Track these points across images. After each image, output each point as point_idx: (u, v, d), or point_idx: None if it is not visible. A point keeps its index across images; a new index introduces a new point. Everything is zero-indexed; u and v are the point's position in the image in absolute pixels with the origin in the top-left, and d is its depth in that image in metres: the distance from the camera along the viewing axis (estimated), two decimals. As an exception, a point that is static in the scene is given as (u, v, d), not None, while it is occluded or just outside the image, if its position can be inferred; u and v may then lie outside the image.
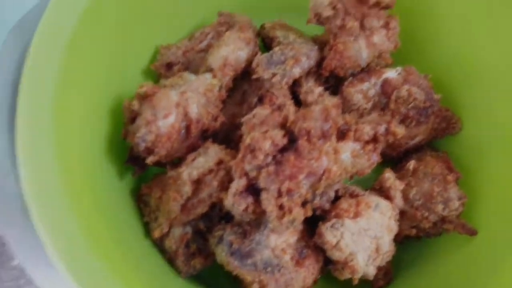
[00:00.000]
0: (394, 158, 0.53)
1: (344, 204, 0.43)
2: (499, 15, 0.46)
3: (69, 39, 0.42)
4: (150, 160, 0.44)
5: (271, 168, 0.38)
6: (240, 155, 0.38)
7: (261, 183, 0.38)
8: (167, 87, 0.45)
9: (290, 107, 0.47)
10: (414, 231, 0.47)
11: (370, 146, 0.40)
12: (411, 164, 0.47)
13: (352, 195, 0.45)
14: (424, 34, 0.55)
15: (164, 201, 0.45)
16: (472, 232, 0.45)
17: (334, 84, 0.50)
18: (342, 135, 0.40)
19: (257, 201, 0.39)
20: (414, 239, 0.50)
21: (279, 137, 0.38)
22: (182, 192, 0.43)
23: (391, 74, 0.48)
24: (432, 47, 0.55)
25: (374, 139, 0.41)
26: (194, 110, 0.43)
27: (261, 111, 0.47)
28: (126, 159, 0.48)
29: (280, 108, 0.48)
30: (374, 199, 0.43)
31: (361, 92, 0.48)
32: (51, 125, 0.39)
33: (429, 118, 0.48)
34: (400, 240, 0.48)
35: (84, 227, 0.38)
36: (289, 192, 0.38)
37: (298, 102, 0.50)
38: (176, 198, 0.43)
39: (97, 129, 0.46)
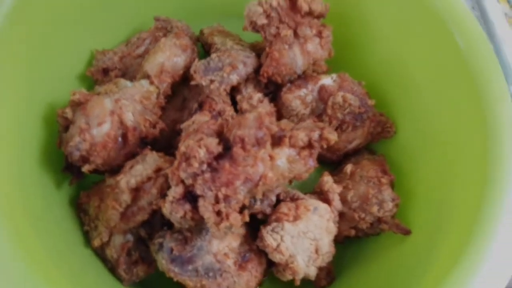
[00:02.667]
0: (334, 161, 0.55)
1: (284, 208, 0.44)
2: (429, 22, 0.48)
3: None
4: (86, 168, 0.43)
5: (207, 175, 0.38)
6: (176, 163, 0.38)
7: (198, 190, 0.38)
8: (101, 94, 0.44)
9: (230, 114, 0.48)
10: (353, 232, 0.49)
11: (306, 152, 0.41)
12: (349, 167, 0.49)
13: (293, 199, 0.46)
14: (357, 41, 0.56)
15: (103, 210, 0.45)
16: (406, 232, 0.47)
17: (273, 90, 0.51)
18: (277, 142, 0.41)
19: (195, 208, 0.39)
20: (354, 239, 0.52)
21: (213, 144, 0.38)
22: (120, 200, 0.43)
23: (327, 81, 0.50)
24: (366, 54, 0.56)
25: (310, 145, 0.41)
26: (129, 118, 0.43)
27: (200, 118, 0.47)
28: (62, 167, 0.47)
29: (220, 114, 0.49)
30: (313, 202, 0.44)
31: (299, 98, 0.49)
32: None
33: (365, 123, 0.50)
34: (341, 241, 0.49)
35: (14, 238, 0.37)
36: (226, 198, 0.38)
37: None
38: (114, 206, 0.43)
39: (29, 137, 0.45)
